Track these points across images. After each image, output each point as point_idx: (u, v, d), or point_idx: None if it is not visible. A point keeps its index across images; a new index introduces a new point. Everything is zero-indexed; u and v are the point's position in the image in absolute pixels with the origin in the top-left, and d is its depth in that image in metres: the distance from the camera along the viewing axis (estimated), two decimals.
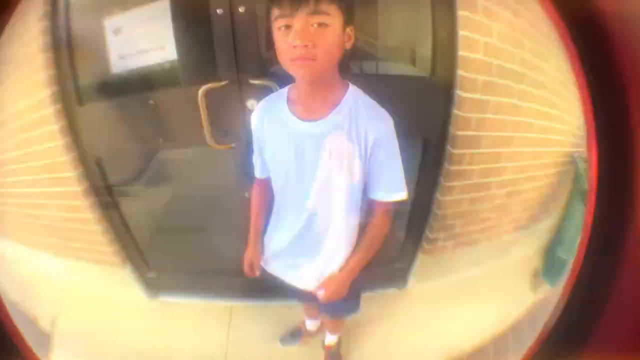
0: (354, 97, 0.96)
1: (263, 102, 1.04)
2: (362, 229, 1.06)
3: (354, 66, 1.41)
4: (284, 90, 1.01)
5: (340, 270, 1.08)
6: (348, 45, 0.90)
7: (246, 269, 1.19)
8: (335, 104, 0.95)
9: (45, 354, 1.25)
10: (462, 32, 1.22)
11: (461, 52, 1.25)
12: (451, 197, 1.41)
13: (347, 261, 1.07)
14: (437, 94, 1.33)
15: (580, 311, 0.76)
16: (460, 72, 1.27)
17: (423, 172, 1.43)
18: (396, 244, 1.54)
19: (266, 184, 1.09)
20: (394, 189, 1.00)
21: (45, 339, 1.29)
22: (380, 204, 1.01)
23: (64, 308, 1.36)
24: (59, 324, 1.32)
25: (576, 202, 0.79)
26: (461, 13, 1.21)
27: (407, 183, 1.52)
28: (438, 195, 1.43)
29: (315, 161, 0.97)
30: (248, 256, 1.18)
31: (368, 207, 1.04)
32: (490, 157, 1.33)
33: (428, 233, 1.48)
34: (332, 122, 0.95)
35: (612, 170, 0.70)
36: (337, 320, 1.38)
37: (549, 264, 1.21)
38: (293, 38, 0.83)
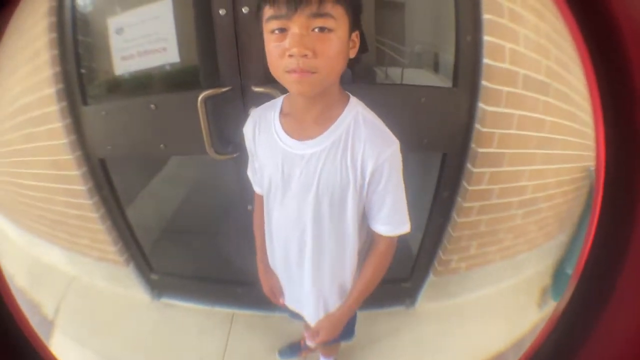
0: (354, 114, 0.81)
1: (257, 110, 0.92)
2: (363, 256, 0.93)
3: (380, 72, 1.34)
4: (279, 100, 0.89)
5: (340, 307, 0.96)
6: (352, 54, 0.76)
7: (269, 296, 1.08)
8: (331, 122, 0.80)
9: (47, 339, 1.28)
10: (487, 38, 1.12)
11: (486, 60, 1.14)
12: (469, 218, 1.30)
13: (348, 295, 0.95)
14: (459, 107, 1.22)
15: (576, 320, 0.71)
16: (484, 82, 1.16)
17: (440, 190, 1.34)
18: (407, 263, 1.45)
19: None
20: (395, 222, 0.86)
21: (48, 325, 1.31)
22: (382, 235, 0.89)
23: (67, 299, 1.38)
24: (61, 313, 1.34)
25: (587, 217, 0.73)
26: (486, 17, 1.10)
27: (423, 201, 1.44)
28: (455, 216, 1.33)
29: (305, 186, 0.83)
30: (263, 282, 1.07)
31: (370, 235, 0.92)
32: (511, 175, 1.22)
33: (441, 254, 1.38)
34: (324, 144, 0.80)
35: (619, 182, 0.64)
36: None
37: (557, 280, 1.12)
38: (289, 45, 0.69)
